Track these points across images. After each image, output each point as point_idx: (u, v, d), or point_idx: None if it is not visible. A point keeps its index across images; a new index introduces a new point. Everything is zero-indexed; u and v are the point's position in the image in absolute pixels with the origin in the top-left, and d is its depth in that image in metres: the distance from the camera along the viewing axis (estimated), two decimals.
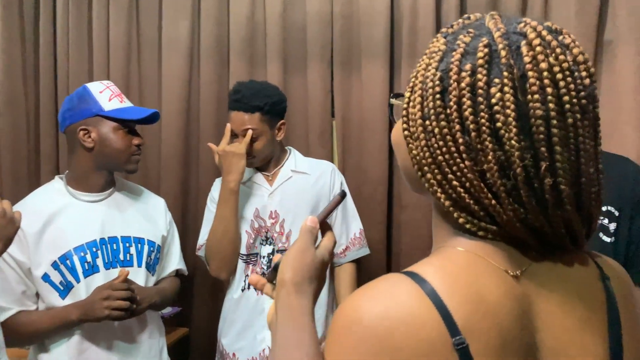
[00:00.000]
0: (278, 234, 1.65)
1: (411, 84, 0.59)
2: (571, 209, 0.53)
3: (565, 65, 0.51)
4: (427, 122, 0.55)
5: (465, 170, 0.53)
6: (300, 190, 1.67)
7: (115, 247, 1.40)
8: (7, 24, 2.26)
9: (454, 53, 0.54)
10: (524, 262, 0.55)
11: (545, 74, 0.50)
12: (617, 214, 1.26)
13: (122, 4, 2.18)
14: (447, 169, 0.54)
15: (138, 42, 2.21)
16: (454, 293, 0.49)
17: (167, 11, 2.15)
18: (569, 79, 0.51)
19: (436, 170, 0.55)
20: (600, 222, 1.25)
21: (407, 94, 0.59)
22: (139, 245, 1.45)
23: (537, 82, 0.50)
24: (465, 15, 0.59)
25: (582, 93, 0.51)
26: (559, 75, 0.50)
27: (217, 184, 1.76)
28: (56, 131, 2.30)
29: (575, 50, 0.52)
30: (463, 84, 0.52)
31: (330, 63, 2.03)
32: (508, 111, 0.50)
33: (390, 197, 2.04)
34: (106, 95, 1.39)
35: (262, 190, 1.67)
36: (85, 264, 1.34)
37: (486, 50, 0.52)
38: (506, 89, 0.50)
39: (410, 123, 0.58)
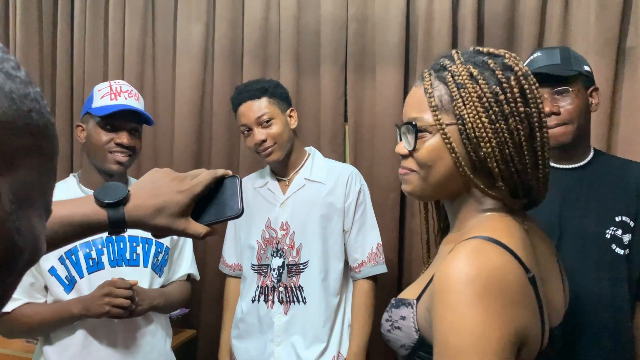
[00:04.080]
0: (288, 246, 1.59)
1: (459, 103, 0.75)
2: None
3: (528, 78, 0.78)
4: (497, 125, 0.74)
5: (526, 151, 0.75)
6: (311, 201, 1.59)
7: (122, 246, 1.39)
8: (26, 27, 2.30)
9: (496, 72, 0.75)
10: (523, 217, 0.80)
11: (529, 78, 0.77)
12: (632, 224, 1.21)
13: (137, 7, 2.20)
14: (508, 157, 0.75)
15: (153, 44, 2.23)
16: (515, 245, 0.70)
17: (182, 14, 2.16)
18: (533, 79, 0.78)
19: (500, 161, 0.75)
20: (612, 233, 1.22)
21: (456, 111, 0.76)
22: (147, 245, 1.45)
23: (530, 90, 0.76)
24: (442, 54, 0.82)
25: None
26: (526, 86, 0.76)
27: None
28: (71, 131, 2.33)
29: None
30: (516, 89, 0.75)
31: (343, 66, 2.02)
32: (539, 100, 0.76)
33: (402, 204, 2.01)
34: (102, 93, 1.39)
35: (275, 199, 1.63)
36: (90, 260, 1.34)
37: (525, 69, 0.78)
38: (534, 87, 0.77)
39: (477, 131, 0.74)
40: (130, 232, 1.37)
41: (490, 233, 0.71)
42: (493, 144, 0.73)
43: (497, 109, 0.73)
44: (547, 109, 1.30)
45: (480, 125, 0.74)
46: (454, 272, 0.66)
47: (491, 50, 0.79)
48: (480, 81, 0.74)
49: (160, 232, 0.73)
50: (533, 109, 0.75)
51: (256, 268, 1.63)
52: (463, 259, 0.67)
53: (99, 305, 1.25)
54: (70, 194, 1.39)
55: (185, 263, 1.58)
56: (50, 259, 1.31)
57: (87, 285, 1.33)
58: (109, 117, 1.35)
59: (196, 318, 2.16)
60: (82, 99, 2.27)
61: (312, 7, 2.03)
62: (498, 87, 0.74)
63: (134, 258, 1.41)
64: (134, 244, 1.42)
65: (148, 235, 1.42)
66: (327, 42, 2.00)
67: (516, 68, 0.76)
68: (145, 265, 1.43)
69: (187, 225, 0.72)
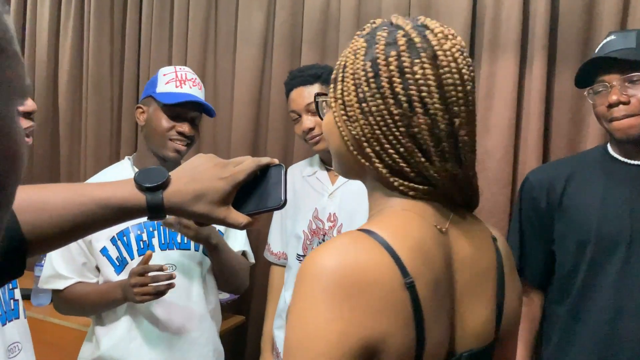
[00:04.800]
0: None
1: (340, 78, 0.69)
2: (474, 156, 0.69)
3: (458, 47, 0.66)
4: (364, 104, 0.66)
5: (400, 137, 0.65)
6: (361, 194, 1.53)
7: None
8: (98, 16, 2.41)
9: (377, 45, 0.66)
10: (445, 218, 0.69)
11: (448, 52, 0.64)
12: None
13: None
14: (384, 140, 0.65)
15: (215, 33, 2.26)
16: (402, 244, 0.61)
17: (244, 2, 2.17)
18: (463, 56, 0.66)
19: (375, 143, 0.66)
20: None
21: (338, 86, 0.70)
22: None
23: (444, 59, 0.64)
24: (371, 21, 0.72)
25: (471, 67, 0.67)
26: (457, 54, 0.65)
27: (288, 176, 1.72)
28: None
29: (458, 38, 0.68)
30: (392, 67, 0.65)
31: None
32: (430, 82, 0.63)
33: None
34: (167, 78, 1.39)
35: (323, 189, 1.59)
36: (141, 242, 1.37)
37: (404, 39, 0.66)
38: (426, 65, 0.64)
39: (348, 109, 0.68)
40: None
41: (379, 226, 0.63)
42: (361, 124, 0.66)
43: (366, 88, 0.66)
44: (614, 98, 1.18)
45: (349, 103, 0.68)
46: (310, 262, 0.59)
47: (421, 21, 0.68)
48: (358, 56, 0.68)
49: (199, 219, 0.71)
50: (413, 91, 0.64)
51: (302, 258, 1.61)
52: (326, 250, 0.60)
53: (131, 295, 1.25)
54: (122, 175, 1.42)
55: (239, 240, 1.54)
56: (102, 240, 1.35)
57: None
58: (173, 106, 1.36)
59: (246, 305, 2.17)
60: None
61: None
62: (370, 64, 0.66)
63: (185, 241, 1.41)
64: None
65: None
66: None
67: (400, 42, 0.65)
68: (197, 249, 1.44)
69: (228, 214, 0.69)
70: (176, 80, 1.38)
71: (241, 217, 0.70)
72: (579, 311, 1.28)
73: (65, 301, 1.37)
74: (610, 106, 1.19)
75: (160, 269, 1.26)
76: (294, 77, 1.55)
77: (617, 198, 1.23)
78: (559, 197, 1.34)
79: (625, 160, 1.24)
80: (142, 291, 1.23)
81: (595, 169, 1.32)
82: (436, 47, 0.64)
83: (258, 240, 2.14)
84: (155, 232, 1.39)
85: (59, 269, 1.35)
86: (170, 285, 1.25)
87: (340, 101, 0.69)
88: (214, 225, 1.42)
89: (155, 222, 1.38)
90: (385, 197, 0.70)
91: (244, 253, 1.56)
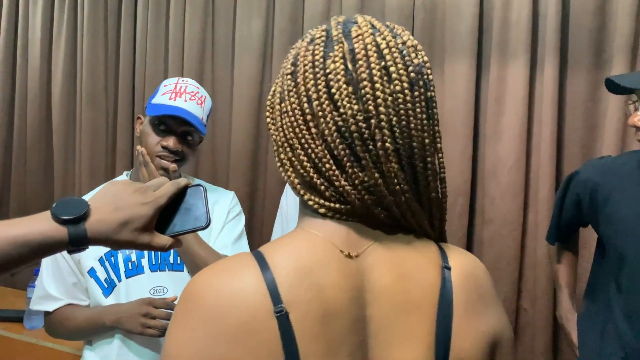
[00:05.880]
0: None
1: (276, 80, 0.65)
2: (397, 166, 0.58)
3: (391, 43, 0.58)
4: (283, 104, 0.61)
5: (311, 140, 0.58)
6: None
7: (182, 246, 1.31)
8: (92, 24, 2.34)
9: (302, 42, 0.62)
10: (365, 240, 0.60)
11: (369, 46, 0.58)
12: None
13: (198, 4, 2.16)
14: (297, 144, 0.59)
15: (212, 42, 2.19)
16: (284, 268, 0.55)
17: (242, 9, 2.10)
18: (396, 54, 0.58)
19: (288, 149, 0.60)
20: None
21: (272, 88, 0.66)
22: None
23: (362, 52, 0.57)
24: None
25: (411, 68, 0.59)
26: (385, 51, 0.58)
27: (289, 188, 1.65)
28: (132, 128, 2.33)
29: (405, 37, 0.61)
30: (306, 61, 0.60)
31: None
32: (339, 77, 0.57)
33: (472, 210, 1.84)
34: (165, 89, 1.32)
35: None
36: (129, 263, 1.28)
37: (323, 33, 0.61)
38: (337, 59, 0.58)
39: (272, 112, 0.64)
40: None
41: (270, 247, 0.58)
42: (278, 126, 0.62)
43: (285, 86, 0.61)
44: (634, 120, 1.20)
45: (272, 105, 0.64)
46: (191, 280, 0.57)
47: (367, 19, 0.62)
48: (289, 55, 0.64)
49: (124, 247, 0.69)
50: (321, 87, 0.57)
51: None
52: (206, 270, 0.57)
53: (133, 323, 1.18)
54: None
55: (224, 245, 1.37)
56: (90, 260, 1.26)
57: (125, 290, 1.26)
58: (159, 118, 1.28)
59: None
60: (143, 95, 2.27)
61: None
62: (292, 61, 0.62)
63: (178, 262, 1.32)
64: None
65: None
66: None
67: (317, 36, 0.60)
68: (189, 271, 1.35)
69: (152, 238, 0.69)
70: (172, 92, 1.30)
71: (165, 240, 0.71)
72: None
73: (55, 324, 1.29)
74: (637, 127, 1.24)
75: (172, 307, 1.20)
76: None
77: None
78: (602, 203, 1.35)
79: None
80: (151, 323, 1.17)
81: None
82: (355, 40, 0.58)
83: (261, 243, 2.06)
84: (145, 253, 1.30)
85: (49, 289, 1.28)
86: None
87: (269, 102, 0.65)
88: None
89: None
90: (302, 214, 0.63)
91: None
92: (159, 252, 1.27)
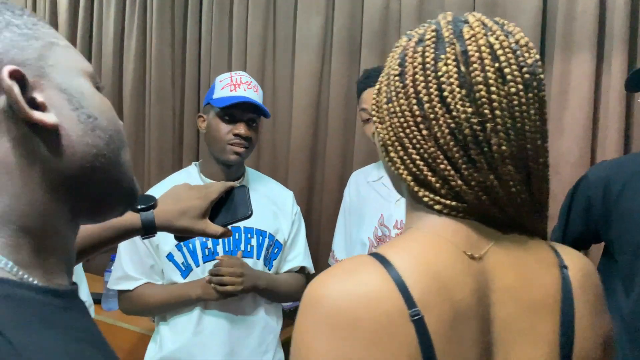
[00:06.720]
0: None
1: (380, 79, 0.66)
2: (513, 168, 0.58)
3: (505, 43, 0.57)
4: (390, 105, 0.62)
5: (423, 141, 0.58)
6: None
7: (237, 237, 1.42)
8: (160, 25, 2.47)
9: (409, 41, 0.62)
10: (485, 240, 0.59)
11: (483, 48, 0.57)
12: None
13: (260, 4, 2.24)
14: (408, 144, 0.59)
15: (274, 39, 2.26)
16: (412, 271, 0.54)
17: (302, 7, 2.16)
18: (510, 54, 0.57)
19: (399, 147, 0.61)
20: None
21: (376, 87, 0.66)
22: (261, 237, 1.45)
23: (476, 54, 0.56)
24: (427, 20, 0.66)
25: (525, 69, 0.57)
26: (500, 51, 0.57)
27: (352, 182, 1.70)
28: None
29: (517, 35, 0.59)
30: (416, 63, 0.59)
31: None
32: (452, 80, 0.57)
33: None
34: (222, 84, 1.42)
35: (390, 195, 1.54)
36: (206, 249, 1.38)
37: (433, 33, 0.60)
38: (449, 61, 0.57)
39: (379, 111, 0.64)
40: (246, 223, 1.40)
41: (392, 250, 0.57)
42: (387, 126, 0.62)
43: (392, 87, 0.62)
44: None
45: (380, 104, 0.65)
46: (311, 288, 0.55)
47: (476, 17, 0.60)
48: (394, 54, 0.64)
49: (183, 233, 0.85)
50: (433, 90, 0.57)
51: None
52: (327, 277, 0.55)
53: (209, 290, 1.31)
54: (191, 182, 1.44)
55: (297, 254, 1.55)
56: (168, 245, 1.37)
57: (202, 273, 1.38)
58: (227, 108, 1.37)
59: None
60: None
61: None
62: (399, 61, 0.62)
63: (248, 249, 1.42)
64: (249, 236, 1.44)
65: (263, 227, 1.45)
66: None
67: (427, 37, 0.59)
68: (259, 258, 1.44)
69: (206, 226, 0.85)
70: (231, 85, 1.41)
71: (217, 228, 0.85)
72: None
73: (134, 301, 1.40)
74: None
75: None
76: (369, 76, 1.51)
77: None
78: (616, 197, 1.28)
79: None
80: (219, 280, 1.31)
81: None
82: (468, 42, 0.57)
83: (318, 245, 2.12)
84: (220, 240, 1.40)
85: (128, 270, 1.39)
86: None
87: (374, 101, 0.66)
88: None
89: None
90: (414, 213, 0.63)
91: (302, 268, 1.57)
92: (232, 240, 1.40)
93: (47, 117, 0.43)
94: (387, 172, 0.67)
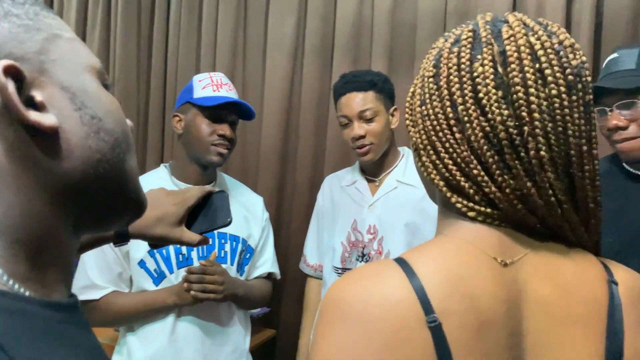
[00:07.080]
0: (376, 252, 1.49)
1: (414, 81, 0.64)
2: (553, 175, 0.55)
3: (547, 44, 0.55)
4: (424, 107, 0.60)
5: (456, 145, 0.56)
6: (402, 205, 1.48)
7: (210, 242, 1.38)
8: (126, 23, 2.39)
9: (445, 42, 0.60)
10: (520, 248, 0.56)
11: (523, 48, 0.54)
12: None
13: (231, 3, 2.20)
14: (440, 148, 0.58)
15: (244, 41, 2.23)
16: (433, 276, 0.52)
17: (274, 9, 2.14)
18: (552, 55, 0.54)
19: (431, 151, 0.59)
20: None
21: (410, 89, 0.65)
22: (234, 243, 1.43)
23: (514, 54, 0.54)
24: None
25: (568, 70, 0.55)
26: (540, 52, 0.54)
27: (325, 185, 1.68)
28: (163, 124, 2.39)
29: (561, 36, 0.56)
30: (450, 64, 0.57)
31: None
32: (488, 81, 0.54)
33: None
34: (203, 84, 1.38)
35: (363, 200, 1.54)
36: (180, 255, 1.34)
37: (470, 33, 0.58)
38: (486, 62, 0.55)
39: (412, 113, 0.63)
40: (220, 229, 1.37)
41: (415, 255, 0.55)
42: (420, 128, 0.60)
43: (426, 89, 0.60)
44: (613, 123, 1.16)
45: (413, 106, 0.63)
46: (334, 289, 0.54)
47: (517, 17, 0.58)
48: (429, 55, 0.63)
49: (158, 241, 0.81)
50: (468, 91, 0.55)
51: (339, 271, 1.56)
52: (349, 279, 0.54)
53: (185, 296, 1.27)
54: (162, 186, 1.39)
55: (266, 261, 1.54)
56: (140, 252, 1.32)
57: (175, 280, 1.33)
58: (213, 109, 1.34)
59: (277, 317, 2.13)
60: (175, 91, 2.32)
61: (408, 1, 1.93)
62: (434, 62, 0.60)
63: (222, 255, 1.39)
64: (222, 241, 1.41)
65: (236, 233, 1.42)
66: (422, 38, 1.89)
67: (464, 37, 0.57)
68: (232, 263, 1.42)
69: (182, 233, 0.81)
70: (212, 85, 1.38)
71: (194, 236, 0.81)
72: None
73: (101, 311, 1.33)
74: (610, 130, 1.19)
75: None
76: (348, 81, 1.50)
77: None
78: None
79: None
80: (192, 286, 1.26)
81: (612, 180, 1.28)
82: (506, 42, 0.55)
83: (287, 249, 2.10)
84: None
85: (94, 278, 1.32)
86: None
87: (407, 103, 0.65)
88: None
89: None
90: (445, 220, 0.61)
91: (269, 274, 1.56)
92: (206, 246, 1.35)
93: (45, 119, 0.40)
94: (420, 177, 0.66)
